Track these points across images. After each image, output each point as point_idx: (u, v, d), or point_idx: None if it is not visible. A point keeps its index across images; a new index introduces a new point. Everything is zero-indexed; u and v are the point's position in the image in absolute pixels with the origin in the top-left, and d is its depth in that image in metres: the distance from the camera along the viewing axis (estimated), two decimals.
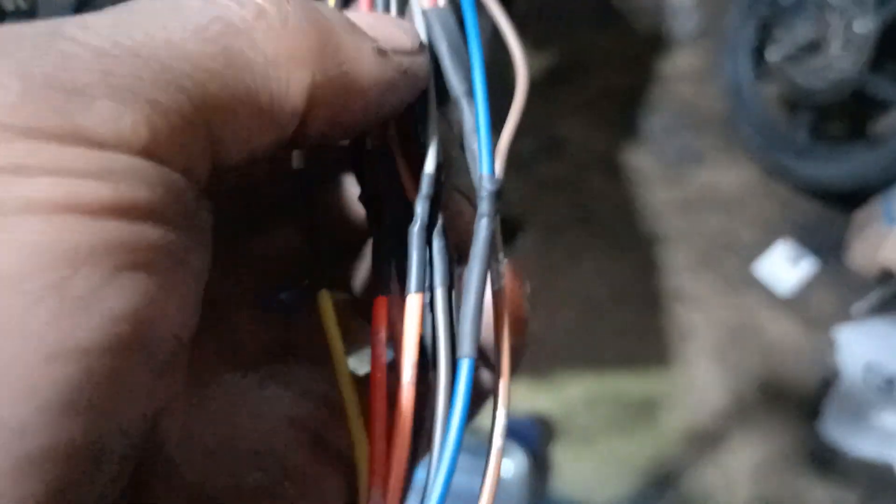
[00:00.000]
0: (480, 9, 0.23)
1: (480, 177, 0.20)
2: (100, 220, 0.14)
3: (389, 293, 0.21)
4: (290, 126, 0.18)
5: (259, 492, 0.21)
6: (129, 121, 0.15)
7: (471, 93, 0.21)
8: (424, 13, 0.22)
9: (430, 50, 0.22)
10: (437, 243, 0.21)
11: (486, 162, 0.20)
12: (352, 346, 0.28)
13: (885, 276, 1.70)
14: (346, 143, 0.25)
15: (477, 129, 0.20)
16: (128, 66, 0.15)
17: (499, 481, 0.20)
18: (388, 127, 0.23)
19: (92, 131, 0.14)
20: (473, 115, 0.21)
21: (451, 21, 0.22)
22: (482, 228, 0.20)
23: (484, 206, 0.20)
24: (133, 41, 0.16)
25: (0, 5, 0.23)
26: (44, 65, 0.14)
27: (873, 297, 1.70)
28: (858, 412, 1.56)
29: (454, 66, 0.21)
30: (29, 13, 0.24)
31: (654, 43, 2.35)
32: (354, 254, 0.27)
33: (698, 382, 1.64)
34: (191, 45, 0.16)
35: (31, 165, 0.14)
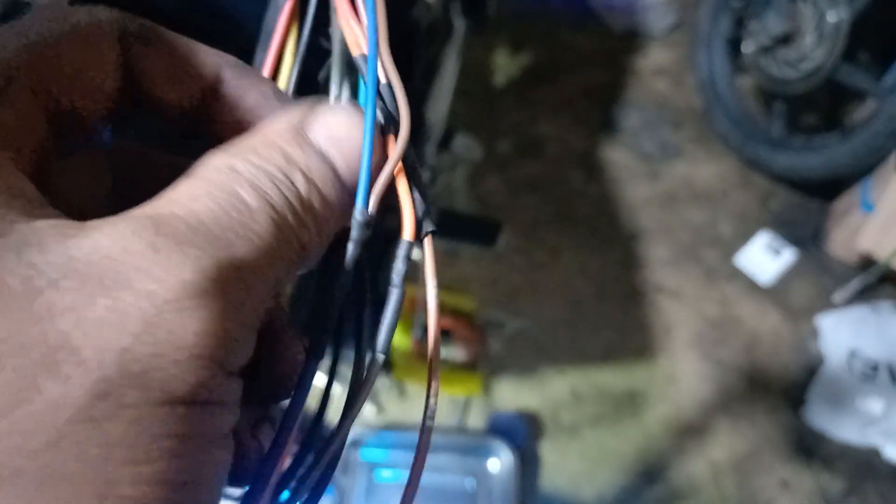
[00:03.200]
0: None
1: (356, 209, 0.22)
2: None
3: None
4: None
5: None
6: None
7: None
8: (356, 58, 0.25)
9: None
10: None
11: (362, 198, 0.22)
12: None
13: (865, 263, 1.71)
14: None
15: (361, 169, 0.22)
16: None
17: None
18: None
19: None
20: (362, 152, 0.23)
21: (392, 96, 0.24)
22: (350, 253, 0.22)
23: (354, 233, 0.22)
24: None
25: None
26: None
27: (854, 284, 1.71)
28: (842, 398, 1.57)
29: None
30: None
31: (630, 40, 2.37)
32: None
33: (682, 374, 1.64)
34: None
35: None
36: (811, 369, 1.64)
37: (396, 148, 0.23)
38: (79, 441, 0.14)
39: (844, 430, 1.53)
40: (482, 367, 1.60)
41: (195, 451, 0.16)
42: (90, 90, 0.20)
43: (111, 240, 0.16)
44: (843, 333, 1.65)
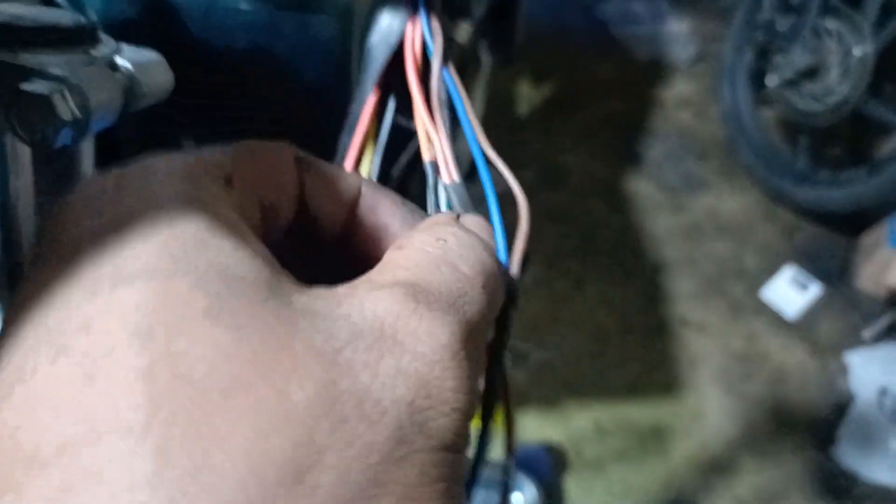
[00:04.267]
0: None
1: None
2: None
3: None
4: None
5: None
6: None
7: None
8: (446, 187, 0.29)
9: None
10: None
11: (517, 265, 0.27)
12: None
13: (894, 299, 1.70)
14: None
15: (495, 236, 0.27)
16: None
17: None
18: None
19: None
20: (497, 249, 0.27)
21: (463, 191, 0.29)
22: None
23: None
24: None
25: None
26: None
27: (883, 320, 1.70)
28: (873, 438, 1.54)
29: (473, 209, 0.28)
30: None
31: (653, 71, 2.37)
32: None
33: (707, 410, 1.62)
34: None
35: None
36: (839, 407, 1.61)
37: (522, 226, 0.28)
38: (386, 481, 0.17)
39: (875, 470, 1.51)
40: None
41: (458, 493, 0.19)
42: (282, 190, 0.24)
43: (381, 306, 0.19)
44: (873, 371, 1.63)
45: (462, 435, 0.19)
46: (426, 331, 0.19)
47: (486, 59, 1.37)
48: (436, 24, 0.31)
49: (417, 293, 0.19)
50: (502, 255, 0.26)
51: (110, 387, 0.16)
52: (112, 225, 0.18)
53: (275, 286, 0.18)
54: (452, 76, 0.31)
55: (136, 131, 0.48)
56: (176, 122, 0.49)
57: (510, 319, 0.27)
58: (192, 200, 0.20)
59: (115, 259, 0.18)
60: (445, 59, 0.31)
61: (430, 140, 0.29)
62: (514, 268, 0.27)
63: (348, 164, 0.30)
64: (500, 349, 0.28)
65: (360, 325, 0.18)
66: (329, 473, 0.16)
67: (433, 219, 0.25)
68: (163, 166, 0.21)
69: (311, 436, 0.16)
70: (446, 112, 0.31)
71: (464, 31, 1.00)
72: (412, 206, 0.27)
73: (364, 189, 0.26)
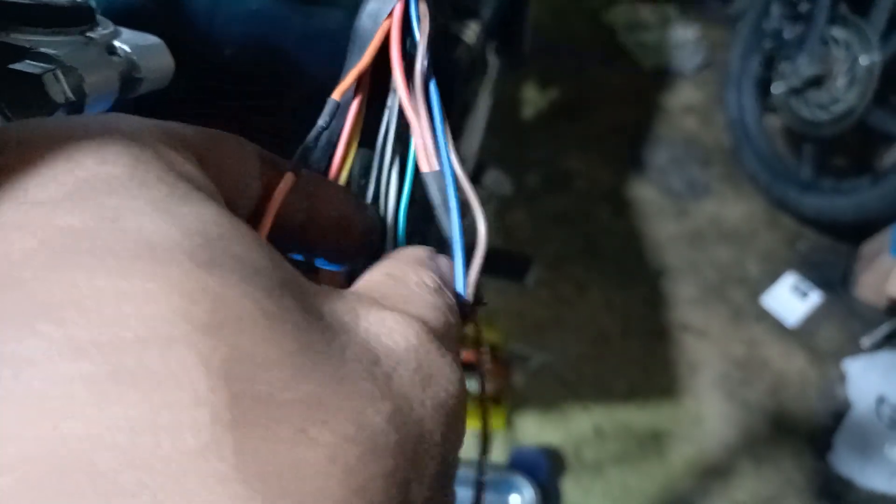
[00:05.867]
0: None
1: (457, 294, 0.27)
2: None
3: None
4: None
5: None
6: None
7: (451, 238, 0.28)
8: (424, 175, 0.29)
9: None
10: None
11: (462, 287, 0.27)
12: None
13: (894, 308, 1.70)
14: None
15: (455, 264, 0.27)
16: None
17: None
18: None
19: None
20: (453, 254, 0.27)
21: (442, 181, 0.29)
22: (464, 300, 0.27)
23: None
24: None
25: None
26: None
27: (883, 329, 1.70)
28: (870, 445, 1.55)
29: (444, 214, 0.28)
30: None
31: (659, 78, 2.38)
32: None
33: (707, 415, 1.63)
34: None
35: None
36: (838, 414, 1.62)
37: (478, 251, 0.27)
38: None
39: (872, 478, 1.52)
40: (506, 400, 1.60)
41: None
42: (244, 188, 0.23)
43: (411, 336, 0.19)
44: (872, 379, 1.63)
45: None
46: (449, 370, 0.19)
47: (493, 61, 1.38)
48: (423, 7, 0.31)
49: (433, 333, 0.20)
50: (460, 282, 0.27)
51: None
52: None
53: (303, 286, 0.18)
54: (433, 84, 0.31)
55: None
56: (179, 115, 0.50)
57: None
58: (194, 175, 0.19)
59: (145, 233, 0.16)
60: (430, 43, 0.31)
61: (423, 145, 0.29)
62: (470, 289, 0.27)
63: (336, 159, 0.30)
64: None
65: (396, 350, 0.18)
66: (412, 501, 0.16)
67: (416, 255, 0.25)
68: (142, 133, 0.19)
69: (398, 465, 0.16)
70: (434, 98, 0.30)
71: (472, 31, 1.01)
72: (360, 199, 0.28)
73: (319, 186, 0.27)
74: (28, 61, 0.24)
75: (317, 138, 0.28)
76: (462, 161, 0.29)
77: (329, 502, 0.14)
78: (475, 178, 1.63)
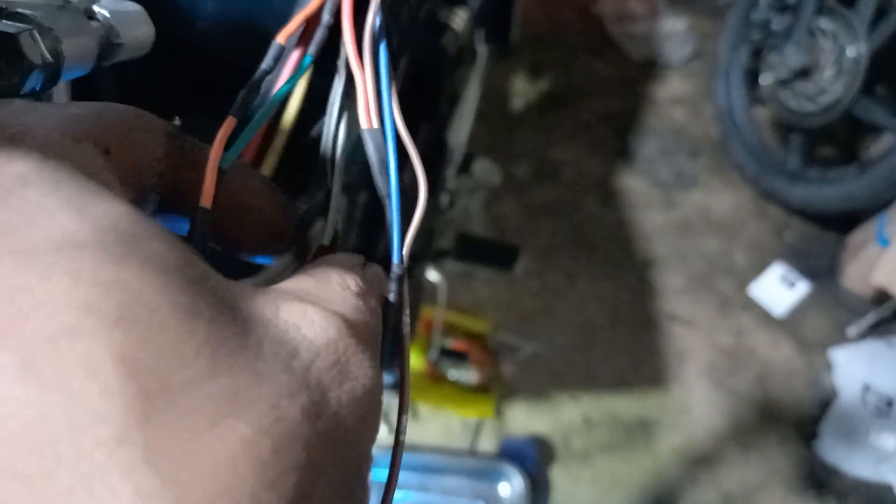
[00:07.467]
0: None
1: (392, 263, 0.27)
2: None
3: None
4: None
5: None
6: None
7: (388, 196, 0.28)
8: (363, 132, 0.29)
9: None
10: None
11: (396, 252, 0.27)
12: None
13: (880, 298, 1.71)
14: None
15: (390, 226, 0.27)
16: None
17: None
18: None
19: None
20: (388, 214, 0.28)
21: (380, 138, 0.29)
22: (392, 303, 0.27)
23: (393, 286, 0.27)
24: None
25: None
26: None
27: (868, 318, 1.71)
28: (856, 433, 1.56)
29: (381, 173, 0.28)
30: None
31: (648, 68, 2.38)
32: None
33: (694, 403, 1.64)
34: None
35: None
36: (824, 402, 1.63)
37: (416, 215, 0.27)
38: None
39: (857, 465, 1.53)
40: (495, 390, 1.61)
41: None
42: (152, 167, 0.23)
43: (331, 331, 0.19)
44: (858, 368, 1.65)
45: None
46: (368, 366, 0.19)
47: (481, 50, 1.38)
48: None
49: (352, 330, 0.20)
50: (396, 245, 0.27)
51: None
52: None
53: (219, 282, 0.18)
54: (386, 33, 0.31)
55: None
56: (163, 94, 0.49)
57: (399, 327, 0.27)
58: (103, 172, 0.19)
59: (42, 229, 0.15)
60: (384, 2, 0.31)
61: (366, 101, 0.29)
62: (405, 252, 0.27)
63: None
64: (402, 364, 0.28)
65: (315, 343, 0.18)
66: (324, 495, 0.16)
67: (345, 259, 0.25)
68: (44, 130, 0.19)
69: (311, 458, 0.16)
70: (383, 55, 0.30)
71: (460, 19, 1.01)
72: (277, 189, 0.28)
73: (232, 169, 0.26)
74: (4, 21, 0.24)
75: (259, 81, 0.28)
76: (410, 131, 0.30)
77: (240, 495, 0.14)
78: (464, 168, 1.63)
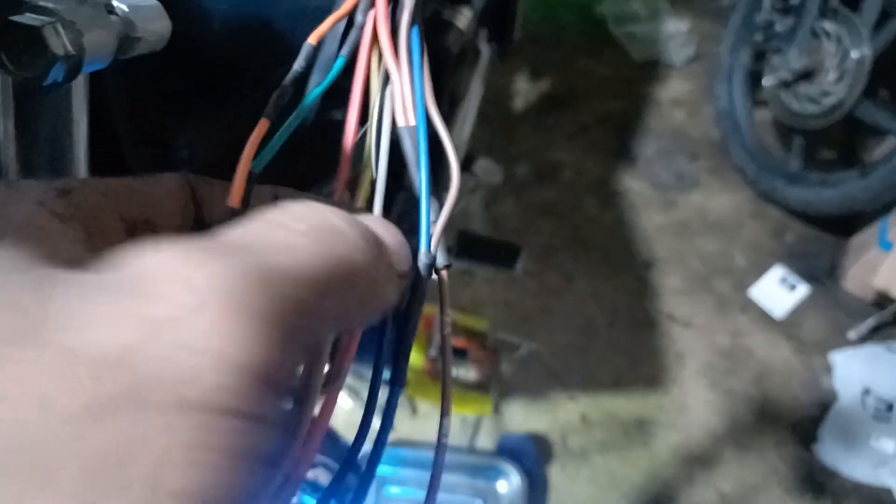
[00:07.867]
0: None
1: (419, 251, 0.26)
2: None
3: None
4: None
5: None
6: None
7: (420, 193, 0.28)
8: (400, 129, 0.29)
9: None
10: None
11: (424, 240, 0.26)
12: None
13: (881, 301, 1.71)
14: None
15: (419, 218, 0.26)
16: None
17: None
18: None
19: None
20: (420, 208, 0.27)
21: (415, 136, 0.28)
22: (418, 294, 0.26)
23: (422, 272, 0.26)
24: None
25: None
26: None
27: (869, 321, 1.71)
28: (855, 436, 1.56)
29: (416, 172, 0.28)
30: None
31: (649, 69, 2.38)
32: None
33: (692, 403, 1.64)
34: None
35: None
36: (822, 405, 1.63)
37: (448, 203, 0.27)
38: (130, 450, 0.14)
39: (856, 468, 1.53)
40: (493, 388, 1.61)
41: (243, 467, 0.15)
42: (158, 207, 0.23)
43: (149, 259, 0.16)
44: (857, 370, 1.64)
45: (246, 396, 0.15)
46: (201, 277, 0.16)
47: (484, 49, 1.37)
48: None
49: (208, 246, 0.17)
50: (424, 240, 0.26)
51: None
52: None
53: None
54: (421, 33, 0.31)
55: (133, 128, 0.47)
56: (170, 98, 0.49)
57: (413, 312, 0.26)
58: None
59: None
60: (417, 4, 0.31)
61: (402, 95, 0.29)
62: (434, 243, 0.26)
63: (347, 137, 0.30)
64: (404, 342, 0.26)
65: (109, 278, 0.16)
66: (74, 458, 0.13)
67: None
68: None
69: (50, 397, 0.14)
70: (416, 47, 0.30)
71: (464, 18, 1.00)
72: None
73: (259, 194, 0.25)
74: (28, 14, 0.25)
75: (292, 83, 0.28)
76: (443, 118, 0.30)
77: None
78: (465, 168, 1.63)
